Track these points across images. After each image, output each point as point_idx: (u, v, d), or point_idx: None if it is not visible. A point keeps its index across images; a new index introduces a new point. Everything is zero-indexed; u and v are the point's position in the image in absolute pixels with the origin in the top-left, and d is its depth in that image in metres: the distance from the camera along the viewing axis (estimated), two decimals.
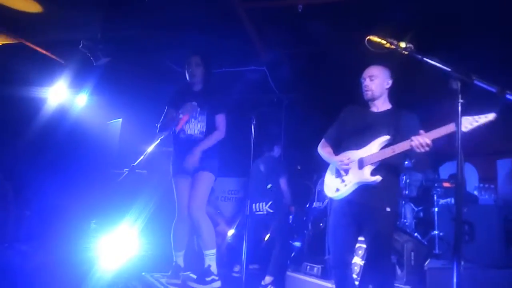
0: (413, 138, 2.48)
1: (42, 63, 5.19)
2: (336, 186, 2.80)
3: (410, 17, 3.87)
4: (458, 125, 1.76)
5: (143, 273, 3.81)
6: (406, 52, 2.00)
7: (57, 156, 5.32)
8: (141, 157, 4.11)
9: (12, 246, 4.18)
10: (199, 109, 3.53)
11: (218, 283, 3.43)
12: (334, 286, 2.95)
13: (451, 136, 2.30)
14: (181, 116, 3.46)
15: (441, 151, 2.61)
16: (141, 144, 4.27)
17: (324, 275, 3.96)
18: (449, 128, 2.37)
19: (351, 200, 2.74)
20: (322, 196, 4.83)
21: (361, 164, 2.72)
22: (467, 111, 1.99)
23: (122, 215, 4.11)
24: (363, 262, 3.53)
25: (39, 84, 5.31)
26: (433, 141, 2.45)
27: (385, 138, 2.72)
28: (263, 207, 4.85)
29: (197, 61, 3.59)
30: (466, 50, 4.00)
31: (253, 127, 3.58)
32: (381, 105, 2.89)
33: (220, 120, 3.56)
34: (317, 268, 4.09)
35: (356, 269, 3.53)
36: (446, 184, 4.81)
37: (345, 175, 2.76)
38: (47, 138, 5.35)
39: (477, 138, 2.27)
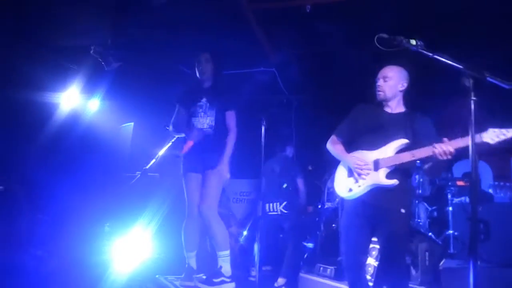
0: (436, 145, 2.43)
1: (55, 68, 5.26)
2: (349, 186, 2.75)
3: (419, 16, 3.84)
4: (471, 124, 1.75)
5: (157, 276, 3.83)
6: (416, 49, 1.98)
7: (70, 160, 5.37)
8: (153, 160, 4.17)
9: (27, 250, 4.22)
10: (208, 104, 3.54)
11: (230, 285, 3.39)
12: (347, 287, 2.92)
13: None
14: (188, 140, 3.51)
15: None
16: (153, 147, 4.32)
17: (337, 277, 3.94)
18: (476, 139, 2.33)
19: (365, 201, 2.69)
20: (332, 196, 4.81)
21: (376, 166, 2.67)
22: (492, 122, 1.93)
23: (136, 218, 4.15)
24: (376, 263, 3.50)
25: (52, 90, 5.37)
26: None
27: (403, 142, 2.67)
28: (277, 208, 4.81)
29: (206, 57, 3.61)
30: (475, 48, 3.95)
31: (263, 128, 3.59)
32: (395, 107, 2.83)
33: (231, 118, 3.56)
34: (330, 270, 4.07)
35: (370, 270, 3.50)
36: (460, 183, 4.76)
37: (360, 178, 2.71)
38: (60, 142, 5.41)
39: None
